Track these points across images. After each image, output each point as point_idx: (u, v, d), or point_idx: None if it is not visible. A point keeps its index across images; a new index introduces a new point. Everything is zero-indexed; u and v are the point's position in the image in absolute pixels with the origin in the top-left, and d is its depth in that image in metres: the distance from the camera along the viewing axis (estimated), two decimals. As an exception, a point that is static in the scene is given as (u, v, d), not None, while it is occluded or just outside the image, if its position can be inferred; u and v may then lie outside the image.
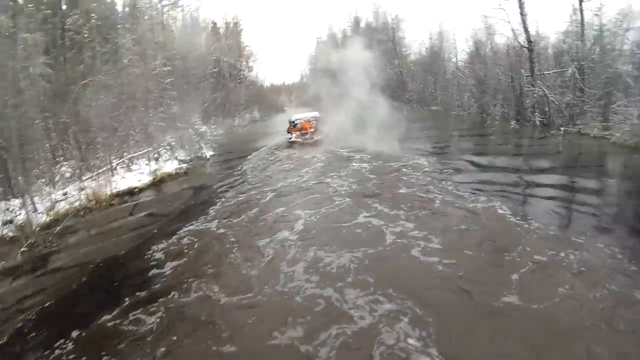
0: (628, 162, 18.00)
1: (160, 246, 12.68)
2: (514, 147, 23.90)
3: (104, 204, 17.68)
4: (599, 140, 21.74)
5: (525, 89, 29.50)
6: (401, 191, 16.60)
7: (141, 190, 20.02)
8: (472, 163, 20.29)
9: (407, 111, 42.50)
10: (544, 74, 27.80)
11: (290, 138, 30.35)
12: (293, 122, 30.93)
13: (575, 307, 8.10)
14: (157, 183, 21.13)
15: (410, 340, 7.69)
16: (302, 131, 30.30)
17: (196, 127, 28.34)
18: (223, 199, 17.35)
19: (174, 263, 11.45)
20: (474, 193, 15.41)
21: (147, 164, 23.33)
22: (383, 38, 54.30)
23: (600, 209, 13.07)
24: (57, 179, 19.93)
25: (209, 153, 27.73)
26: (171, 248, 12.56)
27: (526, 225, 12.08)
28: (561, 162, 19.15)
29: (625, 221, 12.12)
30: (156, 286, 10.25)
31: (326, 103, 34.33)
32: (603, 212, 12.79)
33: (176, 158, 24.21)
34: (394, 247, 11.72)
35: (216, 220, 14.75)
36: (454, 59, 45.81)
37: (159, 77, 28.14)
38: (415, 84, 51.61)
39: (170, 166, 23.52)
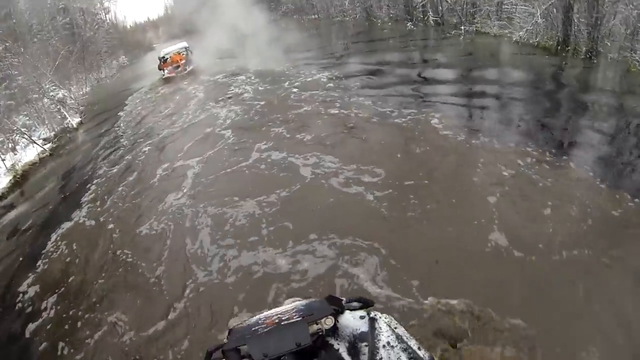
0: (534, 61, 15.70)
1: (31, 279, 9.27)
2: (419, 50, 20.77)
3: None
4: (500, 38, 19.21)
5: (414, -13, 25.55)
6: (301, 111, 14.16)
7: (1, 197, 15.79)
8: (381, 72, 17.62)
9: (285, 23, 37.82)
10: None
11: (163, 75, 28.33)
12: (163, 57, 28.66)
13: (568, 234, 6.52)
14: (20, 180, 16.84)
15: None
16: (174, 64, 28.03)
17: (52, 94, 23.47)
18: (97, 177, 13.94)
19: (53, 299, 8.32)
20: (396, 106, 12.92)
21: (2, 159, 19.07)
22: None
23: (539, 117, 10.82)
24: None
25: (75, 121, 23.00)
26: (45, 275, 9.28)
27: (469, 139, 10.01)
28: (476, 64, 16.53)
29: (580, 130, 10.06)
30: (40, 349, 7.15)
31: (196, 30, 34.21)
32: (544, 121, 10.59)
33: (34, 142, 19.76)
34: (310, 182, 9.69)
35: (92, 209, 11.68)
36: None
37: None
38: None
39: (31, 153, 19.08)
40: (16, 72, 23.03)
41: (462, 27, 21.20)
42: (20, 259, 10.45)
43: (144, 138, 16.54)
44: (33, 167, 18.02)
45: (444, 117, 11.41)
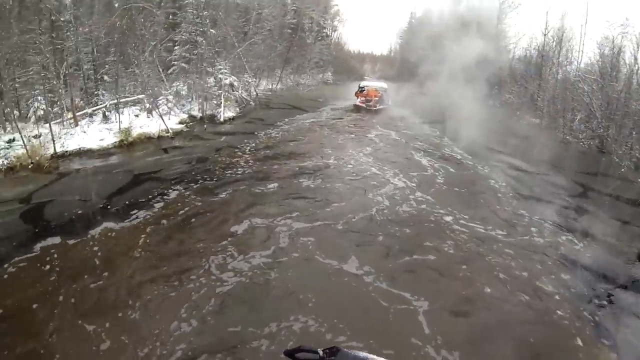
0: None
1: None
2: None
3: (39, 165, 11.96)
4: None
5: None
6: (507, 282, 7.61)
7: (102, 152, 13.48)
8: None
9: (502, 115, 29.59)
10: None
11: (356, 102, 28.26)
12: (361, 87, 29.13)
13: None
14: (125, 146, 14.14)
15: None
16: (367, 97, 27.83)
17: (220, 76, 20.56)
18: (173, 193, 10.02)
19: None
20: None
21: (136, 115, 16.51)
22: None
23: None
24: (29, 114, 14.32)
25: (227, 114, 19.99)
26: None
27: None
28: None
29: None
30: None
31: (410, 79, 33.13)
32: None
33: (162, 118, 16.68)
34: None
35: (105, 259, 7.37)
36: (575, 65, 28.42)
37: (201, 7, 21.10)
38: (515, 86, 34.33)
39: (153, 126, 16.24)
40: (201, 40, 20.63)
41: None
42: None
43: (267, 178, 11.86)
44: (146, 141, 15.17)
45: None
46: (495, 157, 16.95)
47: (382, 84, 31.02)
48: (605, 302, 7.13)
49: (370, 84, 30.99)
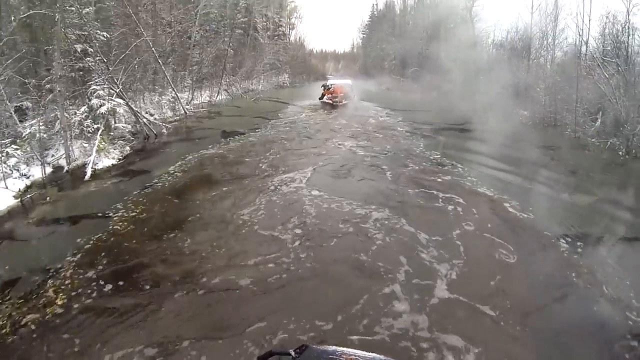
0: None
1: None
2: None
3: None
4: None
5: None
6: None
7: None
8: None
9: (488, 111, 22.03)
10: None
11: (321, 99, 29.98)
12: (327, 86, 31.10)
13: None
14: None
15: None
16: (333, 94, 29.51)
17: (94, 100, 13.74)
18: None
19: None
20: None
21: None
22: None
23: None
24: None
25: (103, 162, 12.89)
26: None
27: None
28: None
29: None
30: None
31: (376, 77, 34.52)
32: None
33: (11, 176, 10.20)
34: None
35: None
36: (579, 41, 21.01)
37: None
38: (498, 72, 25.07)
39: None
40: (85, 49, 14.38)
41: None
42: None
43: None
44: None
45: None
46: (520, 187, 11.41)
47: (347, 81, 34.21)
48: None
49: (336, 81, 33.81)
